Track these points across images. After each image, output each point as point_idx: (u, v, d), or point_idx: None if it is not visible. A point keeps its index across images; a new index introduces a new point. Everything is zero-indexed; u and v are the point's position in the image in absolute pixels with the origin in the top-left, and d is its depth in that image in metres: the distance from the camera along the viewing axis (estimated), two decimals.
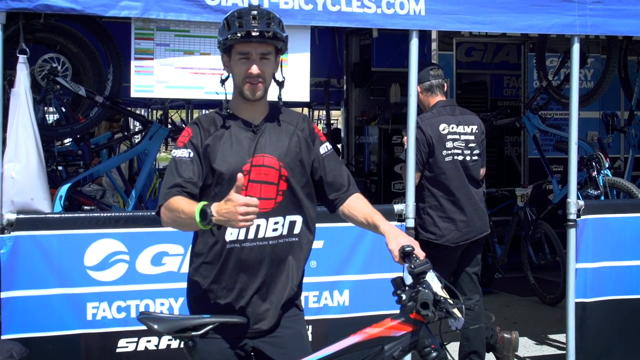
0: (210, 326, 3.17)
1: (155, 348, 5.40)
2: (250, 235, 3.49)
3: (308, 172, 3.62)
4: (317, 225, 3.79)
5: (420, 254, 3.17)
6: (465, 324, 5.97)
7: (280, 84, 3.61)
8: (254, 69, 3.44)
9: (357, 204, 3.61)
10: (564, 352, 6.44)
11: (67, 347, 5.24)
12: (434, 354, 3.10)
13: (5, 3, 4.90)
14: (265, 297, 3.53)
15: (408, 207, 5.81)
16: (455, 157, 6.19)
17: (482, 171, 6.44)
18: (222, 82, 3.60)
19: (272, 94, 3.70)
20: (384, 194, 10.72)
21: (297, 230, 3.59)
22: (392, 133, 10.90)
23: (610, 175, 7.86)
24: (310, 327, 5.38)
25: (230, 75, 3.57)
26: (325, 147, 3.66)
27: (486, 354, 6.41)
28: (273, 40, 3.43)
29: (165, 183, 3.47)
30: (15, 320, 5.09)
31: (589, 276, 6.32)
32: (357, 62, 11.33)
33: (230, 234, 3.48)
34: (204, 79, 5.81)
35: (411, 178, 5.89)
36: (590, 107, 8.65)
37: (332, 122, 14.04)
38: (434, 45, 9.46)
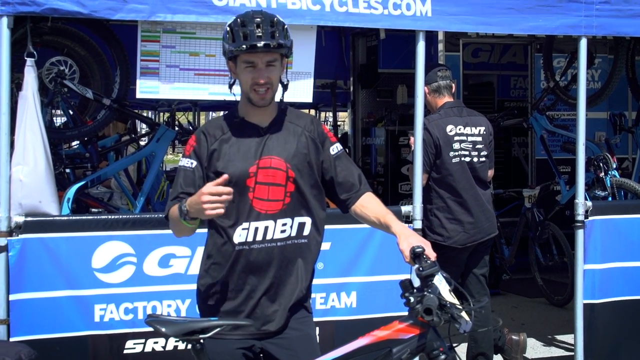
0: (218, 329, 3.16)
1: (162, 349, 5.41)
2: (259, 237, 3.50)
3: (317, 173, 3.62)
4: (325, 226, 3.80)
5: (431, 254, 3.17)
6: (474, 326, 5.98)
7: (284, 86, 3.61)
8: (261, 79, 3.45)
9: (369, 204, 3.61)
10: (572, 353, 6.42)
11: (75, 349, 5.25)
12: (443, 357, 3.10)
13: (13, 7, 4.91)
14: (274, 298, 3.54)
15: (415, 208, 5.80)
16: (463, 159, 6.18)
17: (491, 173, 6.43)
18: (230, 86, 3.61)
19: (277, 94, 3.70)
20: (391, 195, 10.72)
21: (305, 232, 3.59)
22: (399, 134, 10.90)
23: (618, 176, 7.84)
24: (317, 328, 5.37)
25: (237, 80, 3.57)
26: (335, 148, 3.66)
27: (494, 355, 6.40)
28: (278, 49, 3.44)
29: (170, 194, 3.58)
30: (23, 323, 5.10)
31: (597, 277, 6.31)
32: (364, 64, 11.33)
33: (239, 236, 3.49)
34: (208, 80, 5.82)
35: (418, 179, 5.87)
36: (598, 108, 8.64)
37: (338, 123, 14.02)
38: (440, 46, 9.45)
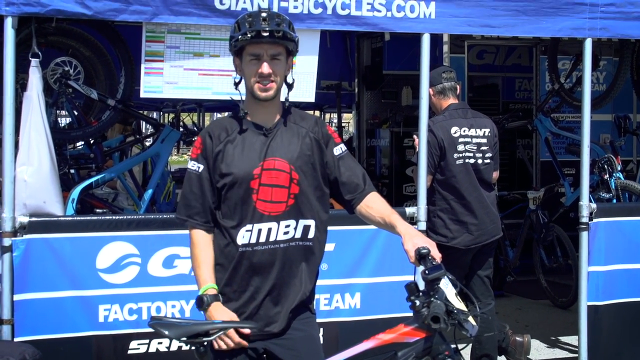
0: (222, 332, 3.15)
1: (166, 350, 5.42)
2: (262, 239, 3.49)
3: (321, 175, 3.61)
4: (329, 228, 3.79)
5: (436, 255, 3.17)
6: (480, 330, 5.97)
7: (290, 86, 3.60)
8: (265, 69, 3.44)
9: (374, 204, 3.60)
10: (576, 355, 6.42)
11: (79, 349, 5.25)
12: None
13: (18, 7, 4.92)
14: (277, 300, 3.53)
15: (419, 210, 5.80)
16: (467, 160, 6.17)
17: (495, 175, 6.42)
18: (236, 85, 3.60)
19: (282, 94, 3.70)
20: (395, 196, 10.71)
21: (309, 234, 3.58)
22: (404, 136, 10.89)
23: (623, 178, 7.83)
24: (321, 330, 5.36)
25: (242, 77, 3.57)
26: (339, 149, 3.65)
27: (498, 357, 6.38)
28: (283, 40, 3.44)
29: (182, 197, 3.61)
30: (27, 323, 5.11)
31: (601, 279, 6.30)
32: (369, 65, 11.32)
33: (242, 237, 3.49)
34: (212, 80, 5.83)
35: (422, 181, 5.86)
36: (603, 110, 8.62)
37: (343, 125, 14.00)
38: (445, 48, 9.44)
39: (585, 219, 6.23)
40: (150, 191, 7.01)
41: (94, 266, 5.25)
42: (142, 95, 5.84)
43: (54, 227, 5.19)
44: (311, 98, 5.99)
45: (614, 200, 7.57)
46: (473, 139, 6.21)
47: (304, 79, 5.89)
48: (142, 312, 5.31)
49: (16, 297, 5.07)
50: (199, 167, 3.51)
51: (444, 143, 6.12)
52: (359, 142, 11.84)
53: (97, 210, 6.73)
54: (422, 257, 3.13)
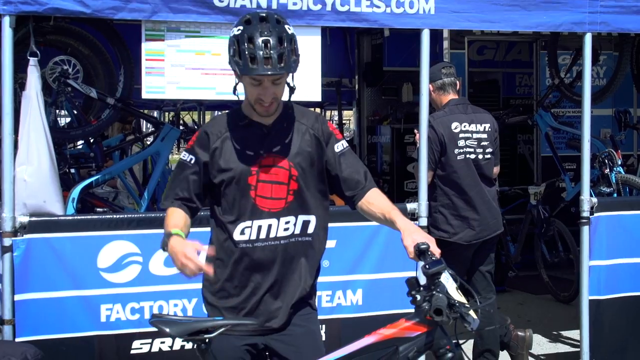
0: (223, 329, 3.15)
1: (169, 349, 5.42)
2: (262, 235, 3.50)
3: (321, 171, 3.61)
4: (330, 224, 3.79)
5: (435, 251, 3.16)
6: (481, 324, 5.96)
7: (292, 90, 3.58)
8: (267, 97, 3.40)
9: (375, 200, 3.59)
10: (578, 349, 6.41)
11: (81, 349, 5.25)
12: (450, 355, 3.09)
13: (15, 6, 4.90)
14: (277, 295, 3.54)
15: (420, 205, 5.79)
16: (468, 156, 6.16)
17: (496, 170, 6.41)
18: (234, 89, 3.59)
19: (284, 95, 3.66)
20: (396, 193, 10.73)
21: (309, 229, 3.58)
22: (405, 132, 10.90)
23: (623, 173, 7.83)
24: (323, 326, 5.38)
25: (241, 84, 3.55)
26: (340, 145, 3.63)
27: (500, 352, 6.39)
28: (286, 69, 3.38)
29: (170, 186, 3.60)
30: (29, 323, 5.10)
31: (602, 273, 6.30)
32: (369, 62, 11.33)
33: (241, 234, 3.49)
34: (215, 80, 5.82)
35: (423, 177, 5.85)
36: (603, 105, 8.63)
37: (344, 122, 14.01)
38: (445, 44, 9.43)
39: (586, 214, 6.23)
40: (150, 190, 7.01)
41: (95, 265, 5.25)
42: (145, 96, 5.83)
43: (54, 226, 5.19)
44: (317, 97, 6.00)
45: (615, 195, 7.57)
46: (473, 134, 6.21)
47: (308, 77, 5.88)
48: (144, 312, 5.31)
49: (17, 297, 5.07)
50: (190, 158, 3.52)
51: (445, 139, 6.12)
52: (360, 139, 11.86)
53: (98, 210, 6.74)
54: (421, 252, 3.12)
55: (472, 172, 6.17)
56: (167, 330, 3.11)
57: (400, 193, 10.67)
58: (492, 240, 6.27)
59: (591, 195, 6.30)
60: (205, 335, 3.12)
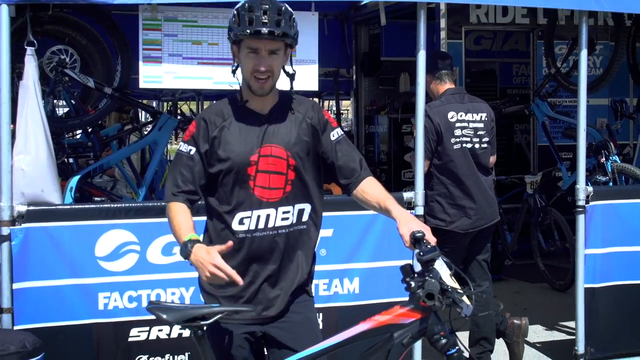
0: (219, 315, 3.17)
1: (167, 337, 5.44)
2: (261, 225, 3.50)
3: (316, 159, 3.62)
4: (327, 213, 3.81)
5: (431, 239, 3.17)
6: (475, 310, 5.99)
7: (291, 77, 3.59)
8: (262, 66, 3.43)
9: (370, 188, 3.60)
10: (573, 337, 6.44)
11: (80, 337, 5.27)
12: (444, 341, 3.10)
13: None
14: (275, 284, 3.55)
15: (417, 194, 5.80)
16: (464, 145, 6.17)
17: (493, 159, 6.41)
18: (233, 72, 3.59)
19: (284, 84, 3.67)
20: (394, 182, 10.74)
21: (305, 218, 3.59)
22: (402, 122, 10.92)
23: (619, 162, 7.85)
24: (320, 315, 5.40)
25: (239, 65, 3.56)
26: (336, 133, 3.63)
27: (496, 340, 6.41)
28: (283, 37, 3.41)
29: (171, 179, 3.56)
30: (27, 311, 5.12)
31: (597, 262, 6.32)
32: (367, 52, 11.31)
33: (239, 224, 3.50)
34: (212, 70, 5.84)
35: (420, 166, 5.87)
36: (599, 94, 8.62)
37: (342, 112, 14.00)
38: (442, 34, 9.40)
39: (581, 202, 6.25)
40: (148, 179, 7.02)
41: (93, 254, 5.26)
42: (142, 85, 5.86)
43: (52, 215, 5.20)
44: (314, 86, 6.02)
45: (611, 184, 7.58)
46: (470, 123, 6.21)
47: (305, 67, 5.91)
48: (142, 300, 5.32)
49: (15, 286, 5.08)
50: (190, 150, 3.50)
51: (441, 128, 6.12)
52: (357, 128, 11.84)
53: (96, 199, 6.74)
54: (416, 240, 3.14)
55: (468, 161, 6.18)
56: (164, 316, 3.13)
57: (398, 182, 10.68)
58: (488, 229, 6.29)
59: (587, 184, 6.32)
60: (202, 322, 3.13)
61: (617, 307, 6.41)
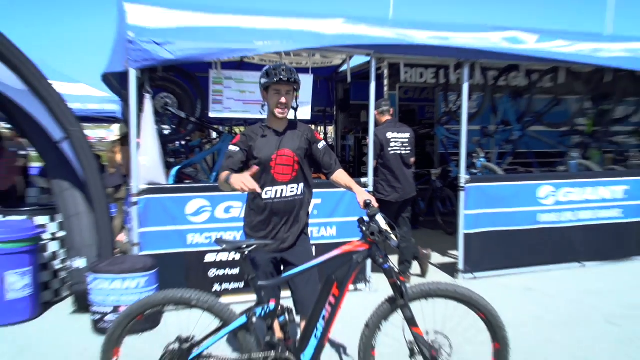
0: (255, 245, 3.17)
1: (226, 259, 5.47)
2: (278, 195, 3.50)
3: (309, 158, 3.61)
4: (317, 190, 3.82)
5: (375, 203, 3.17)
6: (399, 243, 6.05)
7: (295, 110, 3.61)
8: (283, 100, 3.45)
9: (340, 175, 3.59)
10: (457, 260, 6.49)
11: (176, 259, 5.32)
12: (381, 260, 3.10)
13: (139, 63, 4.90)
14: (288, 229, 3.54)
15: (369, 180, 5.85)
16: (396, 151, 6.20)
17: (413, 160, 6.44)
18: (262, 107, 3.61)
19: (291, 115, 3.69)
20: (357, 172, 10.75)
21: (303, 191, 3.59)
22: (362, 139, 10.90)
23: (485, 161, 7.87)
24: (314, 247, 5.45)
25: (266, 104, 3.57)
26: (321, 144, 3.62)
27: (413, 262, 6.45)
28: (293, 83, 3.44)
29: (225, 163, 3.49)
30: (147, 244, 5.17)
31: (471, 218, 6.37)
32: (342, 98, 11.26)
33: (265, 194, 3.49)
34: (250, 106, 5.87)
35: (370, 164, 5.92)
36: (474, 123, 8.63)
37: (327, 133, 13.94)
38: (385, 89, 9.38)
39: (462, 184, 6.30)
40: (215, 171, 7.03)
41: (184, 212, 5.29)
42: (211, 115, 5.88)
43: (161, 190, 5.24)
44: (308, 117, 6.05)
45: (479, 174, 7.63)
46: (400, 139, 6.24)
47: (303, 105, 5.94)
48: (212, 238, 5.37)
49: (140, 230, 5.13)
50: (235, 149, 3.48)
51: (383, 142, 6.15)
52: (337, 142, 11.83)
53: (186, 181, 6.76)
54: (366, 204, 3.14)
55: (398, 161, 6.21)
56: (224, 246, 3.14)
57: (359, 173, 10.69)
58: (409, 200, 6.32)
59: (466, 174, 6.37)
60: (245, 250, 3.15)
61: (482, 243, 6.46)
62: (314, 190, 3.83)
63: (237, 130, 7.45)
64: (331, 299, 3.09)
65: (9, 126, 8.81)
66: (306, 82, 5.91)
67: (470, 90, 6.60)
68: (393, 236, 3.02)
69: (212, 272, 5.46)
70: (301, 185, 3.57)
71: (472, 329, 3.49)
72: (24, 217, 5.43)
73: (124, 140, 7.25)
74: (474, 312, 3.14)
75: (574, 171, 7.85)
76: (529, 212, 6.66)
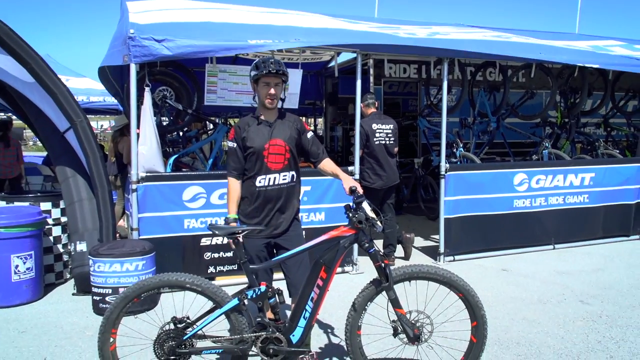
0: (247, 231, 3.12)
1: (220, 243, 5.41)
2: (271, 183, 3.42)
3: (298, 148, 3.54)
4: (307, 178, 3.77)
5: (360, 190, 3.12)
6: (384, 228, 6.00)
7: (282, 100, 3.53)
8: (272, 91, 3.37)
9: (327, 163, 3.52)
10: (438, 243, 6.47)
11: (174, 243, 5.25)
12: (367, 245, 3.06)
13: (138, 58, 4.81)
14: (280, 215, 3.47)
15: (355, 168, 5.80)
16: (381, 142, 6.13)
17: (396, 149, 6.38)
18: (253, 98, 3.53)
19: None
20: (345, 161, 10.69)
21: (294, 178, 3.52)
22: (349, 129, 10.82)
23: (463, 151, 7.84)
24: (304, 231, 5.36)
25: (257, 95, 3.49)
26: (309, 134, 3.55)
27: (397, 245, 6.41)
28: (281, 75, 3.36)
29: (229, 162, 3.45)
30: (146, 228, 5.09)
31: (451, 204, 6.34)
32: (330, 92, 11.20)
33: (259, 182, 3.41)
34: (242, 96, 5.85)
35: (357, 153, 5.86)
36: (454, 115, 8.57)
37: (317, 124, 13.85)
38: (372, 82, 9.32)
39: (443, 172, 6.25)
40: (211, 160, 6.93)
41: (181, 198, 5.22)
42: (206, 103, 5.83)
43: (159, 178, 5.15)
44: (295, 106, 6.02)
45: (458, 163, 7.59)
46: (384, 130, 6.18)
47: (292, 95, 5.91)
48: (208, 223, 5.29)
49: (139, 215, 5.05)
50: (234, 145, 3.43)
51: (368, 132, 6.09)
52: (326, 133, 11.75)
53: (183, 169, 6.67)
54: (352, 191, 3.09)
55: (383, 150, 6.14)
56: (217, 232, 3.08)
57: (346, 161, 10.62)
58: (393, 187, 6.27)
59: (446, 163, 6.32)
60: (238, 235, 3.09)
61: (461, 228, 6.44)
62: (304, 178, 3.77)
63: (231, 122, 7.34)
64: (319, 281, 3.03)
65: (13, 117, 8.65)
66: (295, 75, 5.87)
67: (449, 85, 6.54)
68: (378, 222, 2.96)
69: (208, 255, 5.38)
70: (293, 173, 3.50)
71: (452, 308, 3.45)
72: (27, 204, 5.31)
73: (125, 130, 7.12)
74: (454, 293, 3.10)
75: (546, 160, 7.84)
76: (504, 198, 6.63)
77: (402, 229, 6.62)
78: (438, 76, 7.63)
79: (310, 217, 5.68)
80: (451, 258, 6.37)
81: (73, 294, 5.11)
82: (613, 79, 8.55)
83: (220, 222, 5.23)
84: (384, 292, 3.05)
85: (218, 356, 3.52)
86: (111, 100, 10.59)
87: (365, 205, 3.00)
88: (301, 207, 3.88)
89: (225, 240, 5.35)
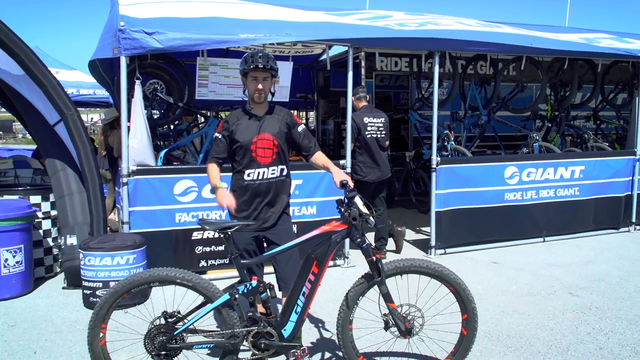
0: (238, 226, 3.09)
1: (211, 237, 5.37)
2: (260, 177, 3.41)
3: (288, 142, 3.52)
4: (299, 171, 3.74)
5: (351, 184, 3.10)
6: (376, 223, 5.98)
7: (272, 94, 3.49)
8: (260, 86, 3.35)
9: (318, 156, 3.51)
10: (429, 237, 6.46)
11: (165, 237, 5.21)
12: (359, 240, 3.05)
13: (129, 51, 4.75)
14: (269, 209, 3.46)
15: (347, 161, 5.77)
16: (372, 135, 6.11)
17: (388, 143, 6.35)
18: (244, 92, 3.50)
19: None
20: (336, 154, 10.66)
21: (283, 172, 3.50)
22: (341, 123, 10.79)
23: (454, 144, 7.83)
24: (295, 225, 5.37)
25: (246, 89, 3.45)
26: (301, 127, 3.54)
27: (389, 239, 6.41)
28: (270, 70, 3.33)
29: (212, 150, 3.46)
30: (137, 222, 5.05)
31: (441, 197, 6.33)
32: (322, 85, 11.14)
33: (247, 176, 3.39)
34: (233, 90, 5.82)
35: (349, 146, 5.83)
36: (445, 108, 8.55)
37: (308, 118, 13.79)
38: (363, 76, 9.29)
39: (434, 166, 6.23)
40: (202, 153, 6.88)
41: (172, 192, 5.17)
42: (197, 97, 5.77)
43: (150, 171, 5.10)
44: (286, 99, 5.99)
45: (449, 156, 7.59)
46: (376, 124, 6.15)
47: (283, 88, 5.86)
48: (199, 217, 5.25)
49: (130, 209, 5.00)
50: (222, 135, 3.42)
51: (360, 126, 6.05)
52: (317, 127, 11.71)
53: (175, 163, 6.61)
54: (343, 185, 3.07)
55: (374, 144, 6.12)
56: (207, 227, 3.05)
57: (338, 155, 10.59)
58: (385, 180, 6.25)
59: (437, 156, 6.31)
60: (228, 230, 3.06)
61: (452, 221, 6.43)
62: (296, 172, 3.74)
63: (223, 115, 7.28)
64: (311, 276, 3.01)
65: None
66: (286, 68, 5.83)
67: (440, 78, 6.51)
68: (371, 218, 2.94)
69: (199, 249, 5.34)
70: (282, 167, 3.47)
71: (443, 301, 3.44)
72: (16, 197, 5.24)
73: (115, 123, 7.04)
74: (445, 286, 3.09)
75: (536, 153, 7.85)
76: (495, 191, 6.63)
77: (394, 222, 6.61)
78: (429, 69, 7.59)
79: (302, 211, 5.65)
80: (442, 251, 6.37)
81: (63, 288, 5.05)
82: (602, 72, 8.56)
83: (212, 216, 5.20)
84: (376, 287, 3.03)
85: (209, 351, 3.49)
86: (101, 93, 10.48)
87: (358, 200, 2.98)
88: (292, 200, 3.89)
89: (217, 234, 5.32)
